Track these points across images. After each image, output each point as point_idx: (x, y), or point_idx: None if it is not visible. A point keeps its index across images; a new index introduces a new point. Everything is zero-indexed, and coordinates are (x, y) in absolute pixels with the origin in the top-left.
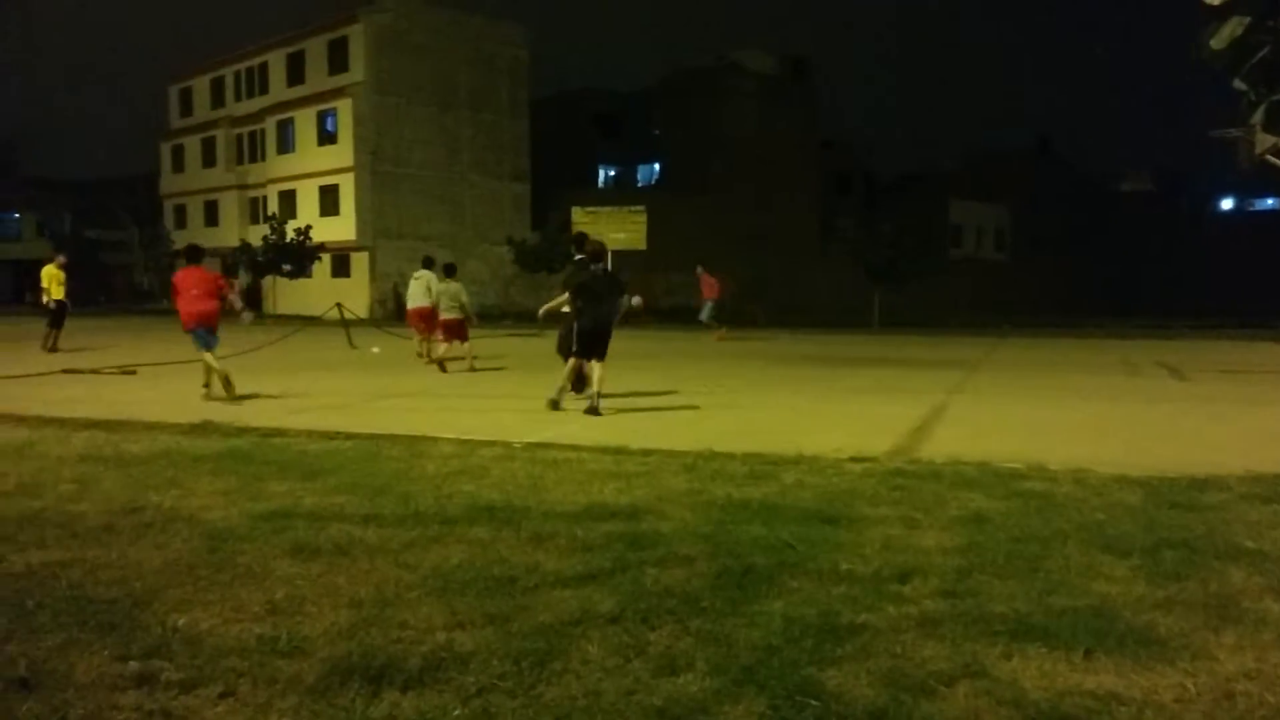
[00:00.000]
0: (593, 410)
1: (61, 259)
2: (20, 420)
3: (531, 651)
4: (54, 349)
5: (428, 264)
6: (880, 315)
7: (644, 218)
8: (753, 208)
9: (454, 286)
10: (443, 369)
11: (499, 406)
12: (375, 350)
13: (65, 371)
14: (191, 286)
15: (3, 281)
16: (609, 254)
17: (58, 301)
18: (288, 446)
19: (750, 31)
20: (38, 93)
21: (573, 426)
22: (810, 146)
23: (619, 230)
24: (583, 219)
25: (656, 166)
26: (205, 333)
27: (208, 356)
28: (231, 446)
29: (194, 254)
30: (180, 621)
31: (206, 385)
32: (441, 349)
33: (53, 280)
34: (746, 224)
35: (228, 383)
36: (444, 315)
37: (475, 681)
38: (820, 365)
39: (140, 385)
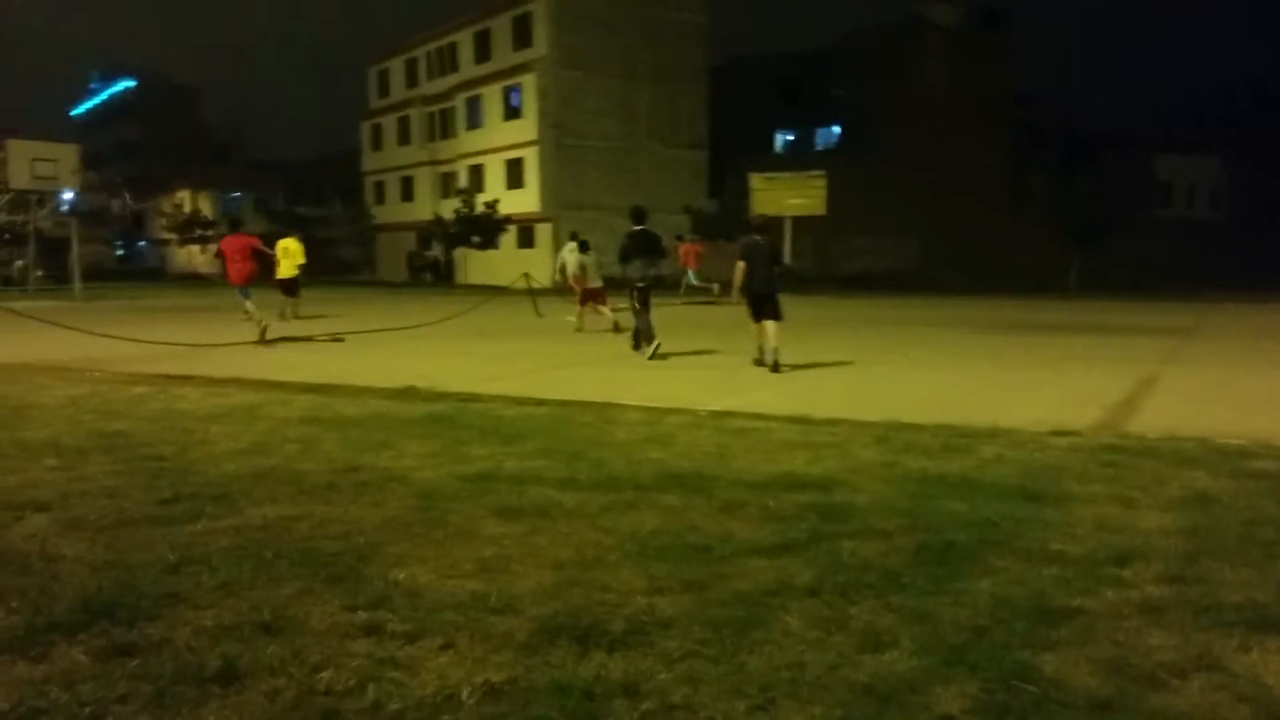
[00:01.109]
0: (774, 368)
1: (296, 236)
2: (248, 384)
3: (731, 620)
4: (295, 317)
5: (574, 238)
6: (1079, 279)
7: (823, 183)
8: (940, 168)
9: (589, 258)
10: (617, 329)
11: (681, 374)
12: (570, 319)
13: (283, 340)
14: (234, 252)
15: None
16: (787, 220)
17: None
18: (485, 412)
19: None
20: (255, 82)
21: (756, 395)
22: (1002, 102)
23: (798, 196)
24: (761, 185)
25: (836, 129)
26: (245, 289)
27: (248, 305)
28: (434, 411)
29: (235, 225)
30: (400, 576)
31: (262, 326)
32: (603, 313)
33: (280, 254)
34: (932, 185)
35: (265, 331)
36: (591, 284)
37: (678, 647)
38: (1013, 332)
39: (348, 351)
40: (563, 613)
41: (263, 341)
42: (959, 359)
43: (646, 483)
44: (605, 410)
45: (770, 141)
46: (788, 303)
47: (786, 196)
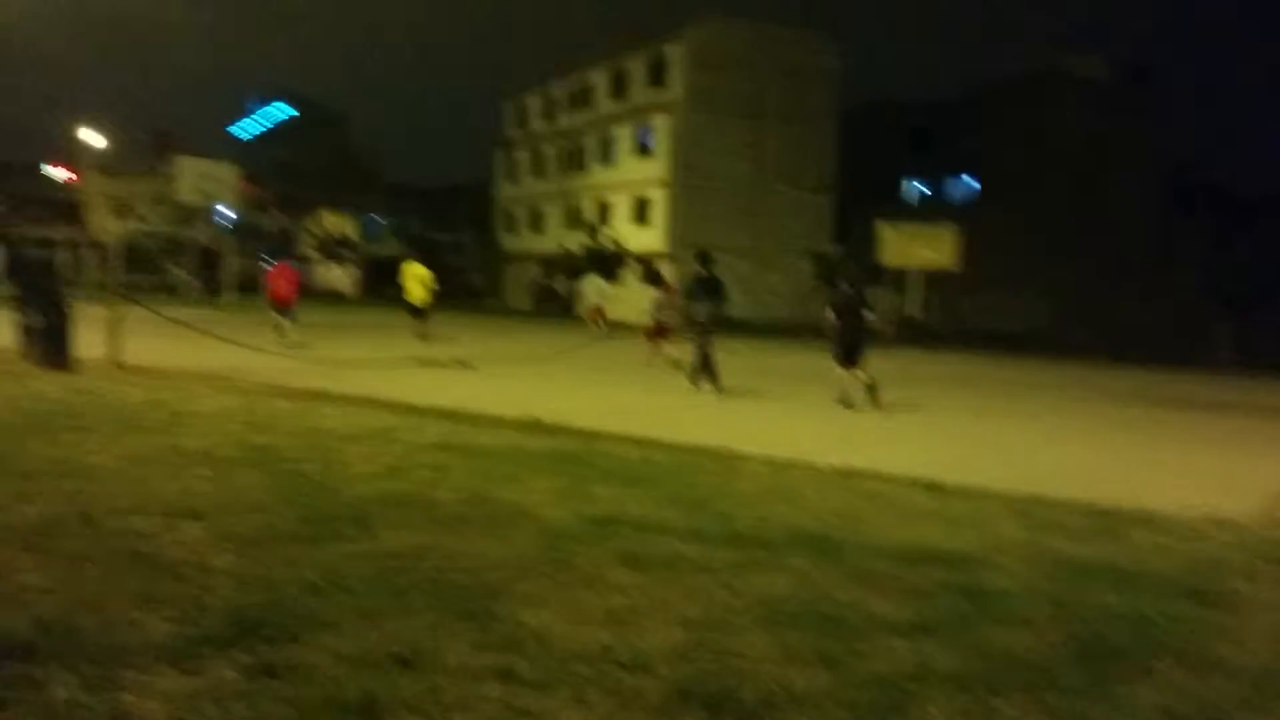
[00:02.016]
0: (867, 403)
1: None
2: (383, 405)
3: (870, 704)
4: (424, 336)
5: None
6: (1229, 352)
7: (954, 236)
8: (1078, 225)
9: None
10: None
11: (793, 421)
12: (671, 358)
13: (415, 361)
14: (282, 278)
15: (364, 275)
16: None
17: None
18: (609, 452)
19: (1083, 35)
20: (397, 109)
21: (881, 450)
22: (1148, 159)
23: (927, 247)
24: (888, 234)
25: (969, 180)
26: (289, 309)
27: (286, 323)
28: (559, 447)
29: (285, 253)
30: (530, 618)
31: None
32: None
33: (412, 279)
34: (1071, 243)
35: (286, 339)
36: (663, 319)
37: None
38: (1158, 405)
39: (477, 379)
40: (693, 676)
41: (282, 343)
42: (1098, 430)
43: (774, 541)
44: (728, 460)
45: (899, 189)
46: (913, 358)
47: (915, 247)
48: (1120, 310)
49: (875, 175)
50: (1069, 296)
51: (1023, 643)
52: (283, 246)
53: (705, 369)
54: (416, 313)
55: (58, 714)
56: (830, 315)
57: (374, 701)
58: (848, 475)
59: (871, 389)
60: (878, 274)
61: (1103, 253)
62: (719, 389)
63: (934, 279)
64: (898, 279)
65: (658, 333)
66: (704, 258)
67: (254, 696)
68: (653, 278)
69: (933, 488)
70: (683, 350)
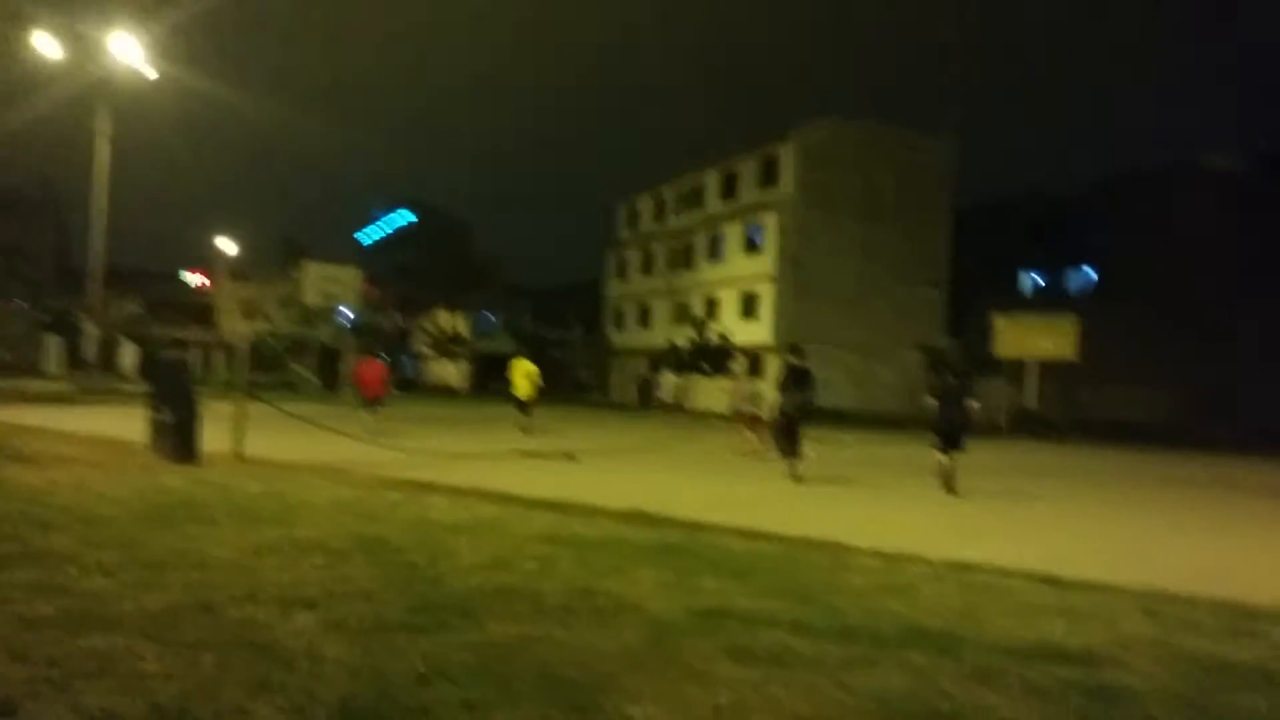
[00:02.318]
0: (950, 490)
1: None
2: (490, 496)
3: None
4: (528, 430)
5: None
6: None
7: (1074, 327)
8: (1211, 317)
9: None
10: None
11: (895, 513)
12: (811, 454)
13: (521, 454)
14: (368, 373)
15: (476, 371)
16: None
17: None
18: (714, 544)
19: (1215, 129)
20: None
21: (994, 543)
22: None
23: (1045, 338)
24: (1005, 327)
25: (1090, 272)
26: (374, 402)
27: (371, 417)
28: (663, 538)
29: (371, 351)
30: (637, 713)
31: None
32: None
33: (520, 374)
34: (1201, 335)
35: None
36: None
37: None
38: None
39: (580, 470)
40: None
41: (366, 433)
42: (1227, 524)
43: (887, 637)
44: (836, 552)
45: (1016, 282)
46: (1028, 449)
47: (1033, 338)
48: (1253, 403)
49: (995, 267)
50: (1195, 388)
51: None
52: (390, 343)
53: (788, 452)
54: (522, 406)
55: None
56: (931, 402)
57: None
58: (962, 569)
59: (950, 481)
60: (994, 365)
61: (1242, 341)
62: (796, 476)
63: (1052, 370)
64: (1014, 371)
65: (752, 422)
66: (794, 349)
67: None
68: (721, 368)
69: (1052, 582)
70: (765, 440)
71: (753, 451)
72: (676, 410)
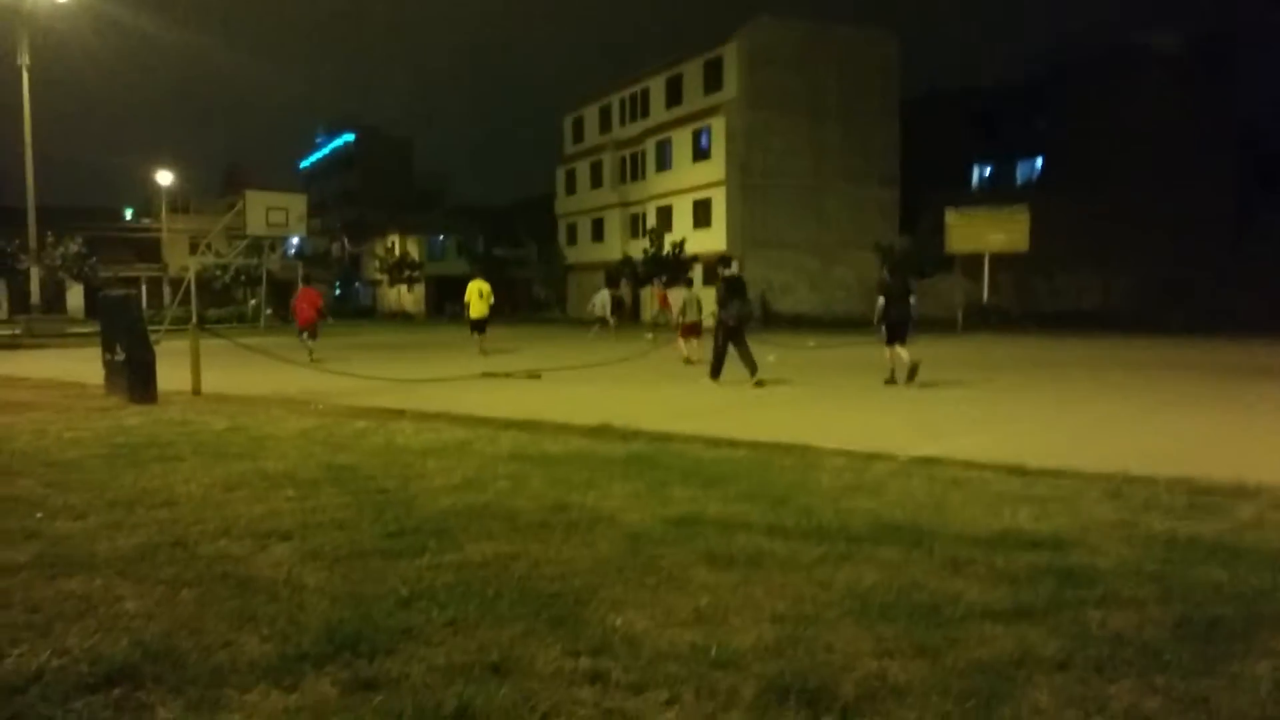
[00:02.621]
0: (910, 379)
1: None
2: (456, 419)
3: (973, 692)
4: (486, 351)
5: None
6: None
7: (1026, 218)
8: (1152, 202)
9: (691, 294)
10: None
11: (861, 415)
12: (771, 359)
13: (484, 375)
14: (304, 301)
15: (428, 294)
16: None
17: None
18: (683, 453)
19: (1150, 9)
20: (459, 132)
21: (960, 440)
22: (1225, 132)
23: (998, 231)
24: (957, 222)
25: (1038, 162)
26: (309, 332)
27: (310, 342)
28: (632, 450)
29: (307, 280)
30: (618, 622)
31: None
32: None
33: (474, 294)
34: (1144, 220)
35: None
36: (690, 320)
37: (917, 718)
38: (1245, 377)
39: (545, 388)
40: (788, 672)
41: (312, 361)
42: (1184, 405)
43: (860, 534)
44: (804, 454)
45: (967, 176)
46: (985, 341)
47: (985, 232)
48: (1200, 286)
49: (942, 163)
50: (1146, 274)
51: (1128, 623)
52: (341, 271)
53: (745, 362)
54: (478, 326)
55: None
56: (879, 301)
57: (469, 709)
58: (929, 463)
59: (913, 368)
60: (948, 262)
61: (1180, 227)
62: (756, 381)
63: (1005, 262)
64: (968, 265)
65: (689, 329)
66: (724, 260)
67: (353, 710)
68: (687, 282)
69: (1017, 471)
70: (703, 348)
71: (689, 359)
72: (637, 324)
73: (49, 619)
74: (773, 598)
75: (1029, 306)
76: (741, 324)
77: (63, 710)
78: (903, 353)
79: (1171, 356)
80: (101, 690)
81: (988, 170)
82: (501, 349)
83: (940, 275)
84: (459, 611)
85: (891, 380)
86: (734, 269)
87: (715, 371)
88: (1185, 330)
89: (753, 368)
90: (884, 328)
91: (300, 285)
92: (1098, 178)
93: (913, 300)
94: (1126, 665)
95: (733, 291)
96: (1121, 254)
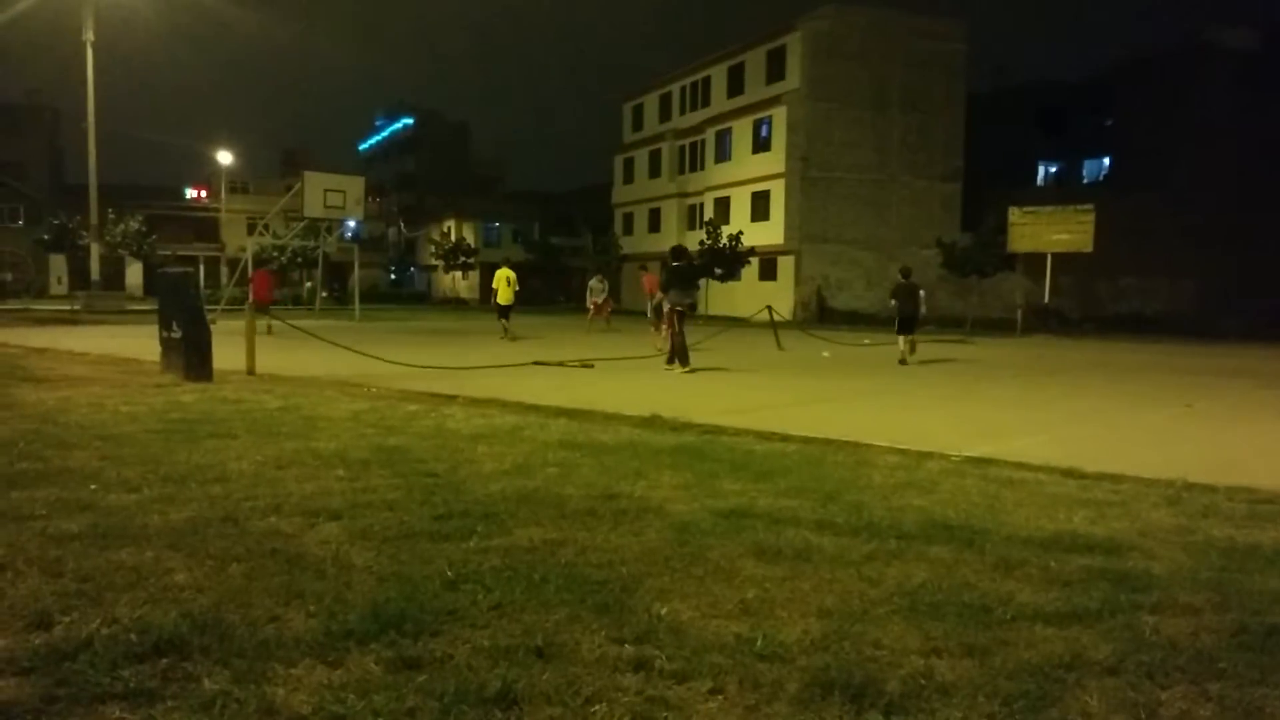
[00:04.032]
0: (902, 361)
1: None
2: (508, 405)
3: (1021, 694)
4: (513, 337)
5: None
6: None
7: (1091, 218)
8: (1226, 204)
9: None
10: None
11: (910, 414)
12: (825, 355)
13: (536, 364)
14: (262, 282)
15: (485, 280)
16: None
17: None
18: (734, 445)
19: (1227, 4)
20: (519, 118)
21: (1016, 441)
22: None
23: (1061, 231)
24: (1020, 219)
25: (1105, 161)
26: (267, 307)
27: (271, 322)
28: (682, 442)
29: (262, 263)
30: (664, 611)
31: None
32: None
33: (501, 281)
34: (1217, 222)
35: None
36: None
37: (963, 717)
38: None
39: (596, 377)
40: (833, 666)
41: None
42: (1249, 414)
43: (910, 531)
44: (856, 450)
45: (1032, 174)
46: (1044, 343)
47: (1049, 232)
48: (1273, 291)
49: (1007, 159)
50: (1216, 278)
51: (1182, 630)
52: (397, 255)
53: (680, 351)
54: (503, 313)
55: (209, 706)
56: (892, 301)
57: (512, 692)
58: (983, 463)
59: (912, 348)
60: (1010, 261)
61: (1253, 230)
62: (687, 368)
63: (1067, 263)
64: (1030, 264)
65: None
66: (676, 252)
67: (396, 689)
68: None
69: (1073, 474)
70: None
71: (656, 349)
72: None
73: (99, 589)
74: (820, 593)
75: (1090, 309)
76: (688, 311)
77: (110, 678)
78: (910, 342)
79: (1232, 364)
80: (149, 660)
81: (1054, 168)
82: (557, 340)
83: (1001, 274)
84: (504, 595)
85: (903, 361)
86: (685, 258)
87: (683, 358)
88: (1247, 337)
89: (684, 355)
90: (898, 321)
91: (259, 267)
92: (1167, 178)
93: (921, 294)
94: (1179, 672)
95: (680, 280)
96: (1188, 257)
